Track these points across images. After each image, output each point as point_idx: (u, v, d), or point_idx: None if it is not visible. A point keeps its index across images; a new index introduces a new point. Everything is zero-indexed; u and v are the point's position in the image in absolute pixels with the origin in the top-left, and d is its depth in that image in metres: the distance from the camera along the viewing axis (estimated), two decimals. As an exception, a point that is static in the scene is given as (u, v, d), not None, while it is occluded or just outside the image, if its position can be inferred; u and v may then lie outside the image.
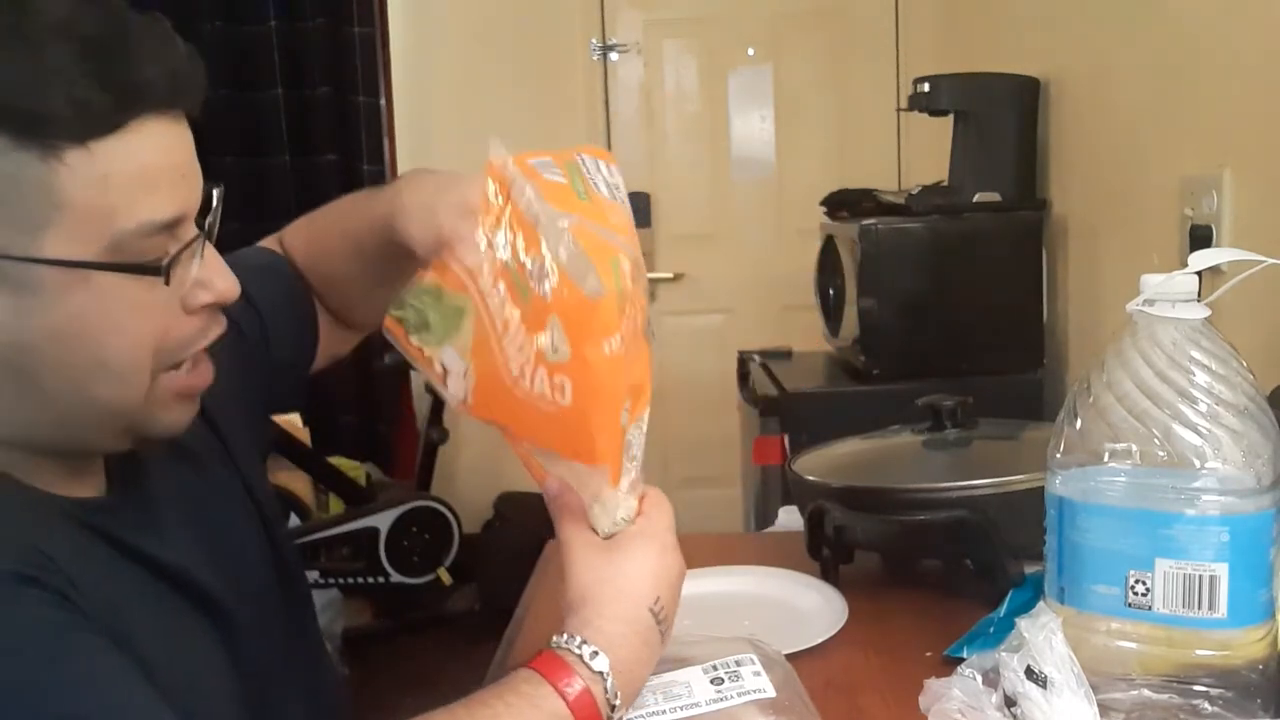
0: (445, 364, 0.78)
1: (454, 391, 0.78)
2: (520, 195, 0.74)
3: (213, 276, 0.72)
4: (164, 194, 0.67)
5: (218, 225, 0.73)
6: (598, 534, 0.77)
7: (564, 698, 0.69)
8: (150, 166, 0.66)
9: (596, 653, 0.72)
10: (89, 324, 0.66)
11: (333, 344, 1.05)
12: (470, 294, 0.77)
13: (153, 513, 0.77)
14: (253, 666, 0.78)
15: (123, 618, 0.67)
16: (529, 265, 0.73)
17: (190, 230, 0.70)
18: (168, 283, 0.68)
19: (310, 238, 1.02)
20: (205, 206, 0.73)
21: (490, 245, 0.76)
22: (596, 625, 0.74)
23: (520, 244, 0.74)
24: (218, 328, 0.75)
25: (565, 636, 0.73)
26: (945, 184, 2.19)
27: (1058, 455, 0.83)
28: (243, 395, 0.92)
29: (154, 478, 0.79)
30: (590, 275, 0.70)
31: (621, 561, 0.76)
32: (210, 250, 0.72)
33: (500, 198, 0.76)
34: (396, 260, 0.86)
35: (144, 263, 0.66)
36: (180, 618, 0.74)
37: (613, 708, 0.72)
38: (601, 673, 0.71)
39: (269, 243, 1.04)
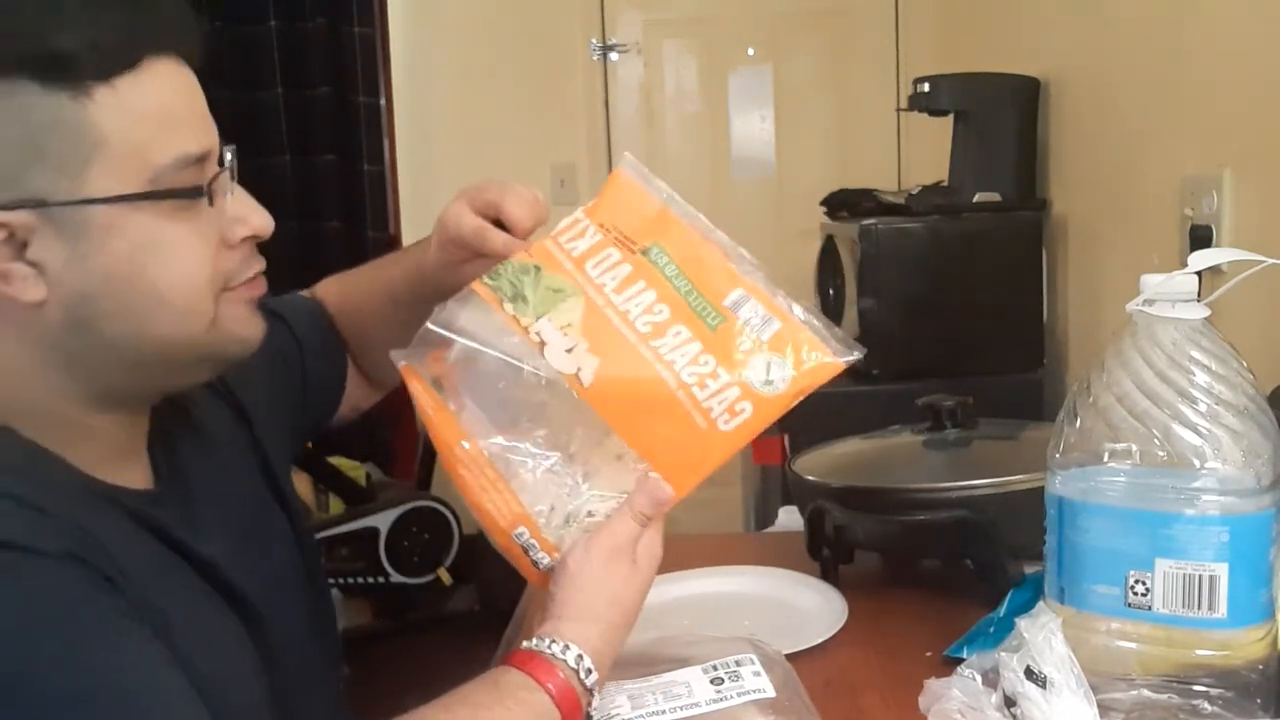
0: (543, 335, 0.77)
1: (557, 364, 0.77)
2: (697, 223, 0.83)
3: (248, 212, 0.74)
4: (188, 130, 0.70)
5: (236, 170, 0.76)
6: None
7: (558, 706, 0.71)
8: (170, 105, 0.68)
9: (591, 670, 0.73)
10: (140, 261, 0.68)
11: (356, 397, 1.08)
12: (576, 281, 0.79)
13: (193, 509, 0.78)
14: (279, 665, 0.79)
15: (161, 607, 0.67)
16: (733, 301, 0.79)
17: (215, 169, 0.72)
18: (211, 203, 0.70)
19: (343, 290, 1.05)
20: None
21: (626, 246, 0.81)
22: (595, 645, 0.74)
23: (684, 272, 0.80)
24: (258, 264, 0.77)
25: (562, 645, 0.73)
26: (945, 184, 2.18)
27: (1058, 455, 0.83)
28: (280, 411, 0.95)
29: (194, 475, 0.80)
30: (833, 341, 0.80)
31: (620, 579, 0.77)
32: (240, 189, 0.74)
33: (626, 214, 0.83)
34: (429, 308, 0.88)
35: (186, 188, 0.69)
36: (214, 613, 0.75)
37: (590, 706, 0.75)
38: (591, 689, 0.74)
39: (303, 294, 1.07)
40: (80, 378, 0.70)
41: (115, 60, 0.65)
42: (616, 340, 0.77)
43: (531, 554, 0.77)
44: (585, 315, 0.78)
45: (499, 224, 0.85)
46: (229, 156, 0.74)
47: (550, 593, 0.76)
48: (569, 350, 0.77)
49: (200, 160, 0.70)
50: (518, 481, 0.77)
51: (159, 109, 0.67)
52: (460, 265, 0.88)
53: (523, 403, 0.78)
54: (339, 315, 1.04)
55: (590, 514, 0.78)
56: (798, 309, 0.80)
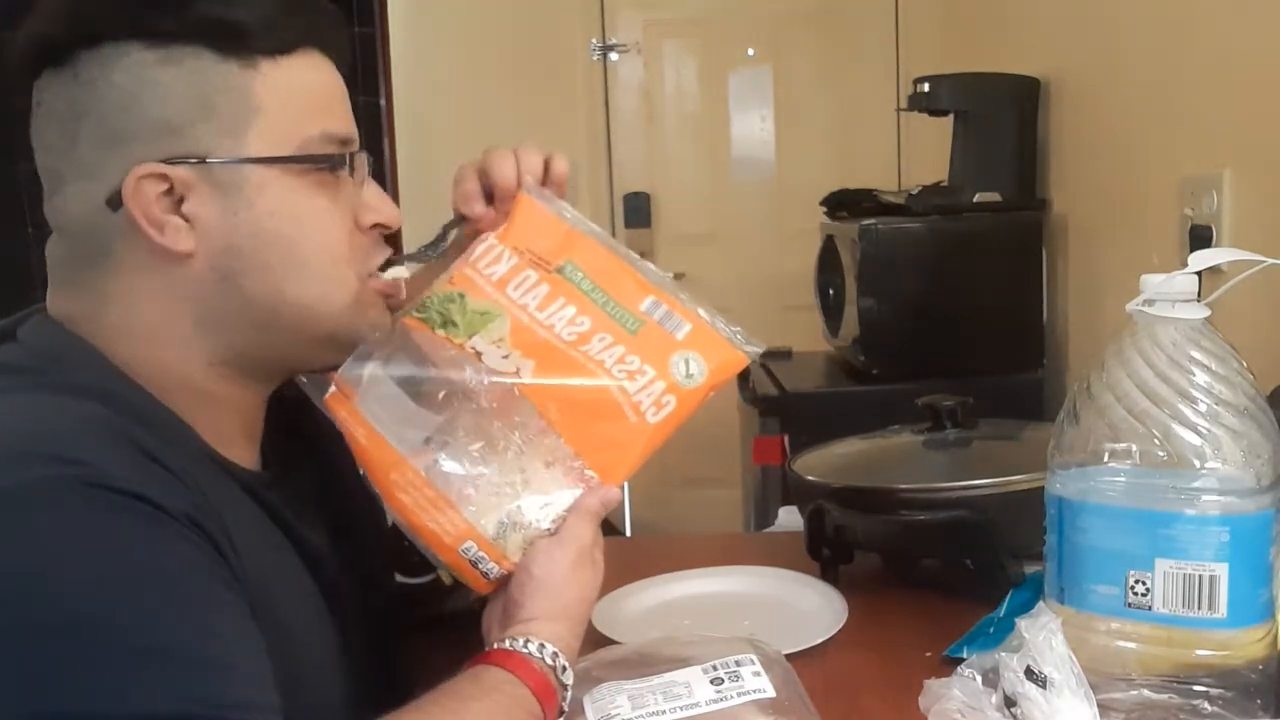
0: (478, 348, 0.82)
1: (496, 364, 0.81)
2: (605, 242, 0.88)
3: (379, 202, 0.80)
4: (335, 114, 0.77)
5: (370, 167, 0.81)
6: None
7: (539, 699, 0.73)
8: (321, 90, 0.76)
9: (566, 668, 0.76)
10: (284, 223, 0.73)
11: None
12: (500, 304, 0.83)
13: (297, 493, 0.81)
14: (358, 657, 0.81)
15: (267, 583, 0.70)
16: (647, 307, 0.85)
17: (359, 155, 0.79)
18: (352, 172, 0.77)
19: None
20: None
21: (542, 266, 0.85)
22: (568, 642, 0.78)
23: (599, 284, 0.85)
24: (385, 252, 0.82)
25: (538, 644, 0.75)
26: (945, 184, 2.19)
27: (1057, 455, 0.83)
28: None
29: (296, 466, 0.83)
30: (736, 339, 0.85)
31: (587, 580, 0.80)
32: (373, 181, 0.80)
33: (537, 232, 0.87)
34: None
35: (331, 154, 0.75)
36: (311, 596, 0.78)
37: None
38: (567, 685, 0.76)
39: None
40: (216, 338, 0.74)
41: (281, 42, 0.73)
42: (547, 347, 0.82)
43: (480, 566, 0.79)
44: (513, 331, 0.82)
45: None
46: (366, 154, 0.80)
47: (515, 599, 0.78)
48: (505, 357, 0.81)
49: (343, 143, 0.77)
50: (459, 497, 0.79)
51: (312, 91, 0.75)
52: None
53: (459, 415, 0.80)
54: None
55: (534, 520, 0.80)
56: (703, 311, 0.86)
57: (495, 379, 0.80)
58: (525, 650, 0.75)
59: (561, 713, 0.76)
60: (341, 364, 0.81)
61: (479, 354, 0.81)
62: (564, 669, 0.76)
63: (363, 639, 0.83)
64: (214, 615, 0.63)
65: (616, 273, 0.86)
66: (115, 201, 0.70)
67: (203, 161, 0.71)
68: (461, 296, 0.84)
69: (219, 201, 0.71)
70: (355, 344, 0.80)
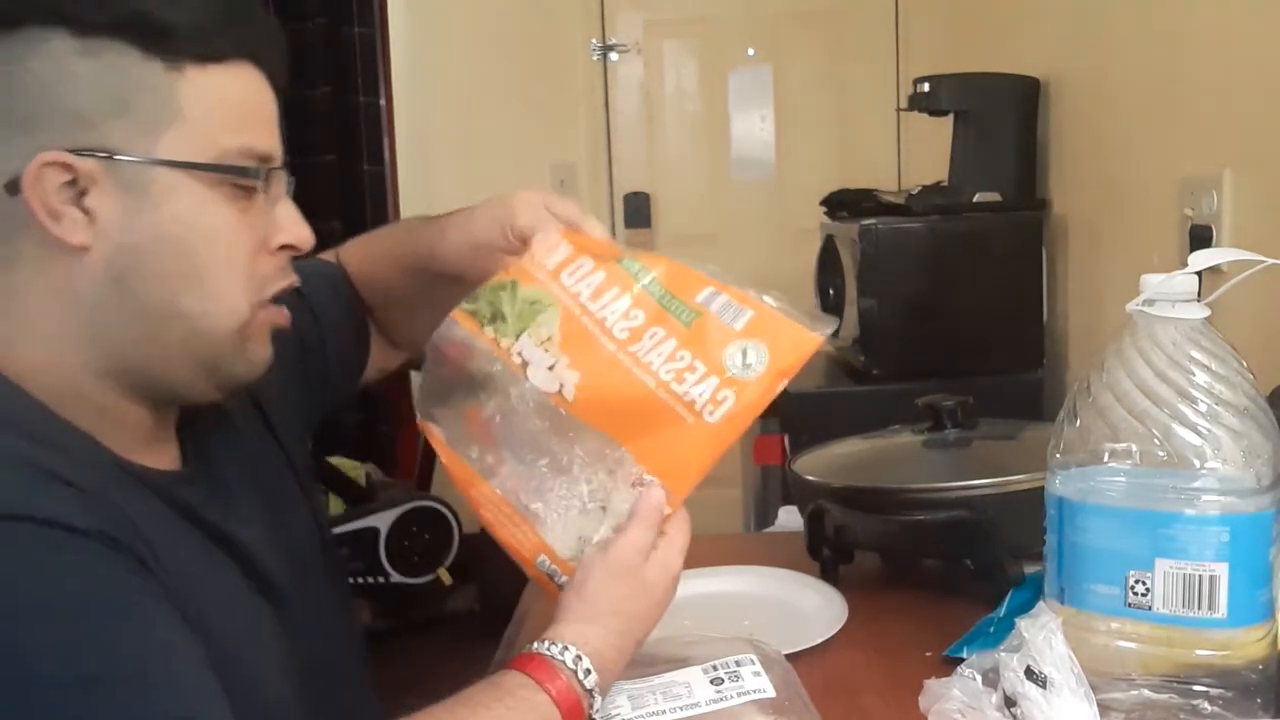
0: (524, 355, 0.80)
1: (540, 384, 0.80)
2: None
3: (292, 223, 0.78)
4: (259, 130, 0.75)
5: (292, 188, 0.80)
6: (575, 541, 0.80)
7: (558, 705, 0.72)
8: (248, 104, 0.74)
9: (590, 671, 0.74)
10: (188, 231, 0.71)
11: (381, 359, 1.08)
12: (552, 292, 0.82)
13: (222, 489, 0.79)
14: (305, 648, 0.80)
15: (194, 589, 0.68)
16: (704, 298, 0.80)
17: (278, 174, 0.77)
18: (267, 189, 0.75)
19: (364, 255, 1.06)
20: None
21: (598, 257, 0.83)
22: (596, 647, 0.75)
23: (656, 278, 0.81)
24: (291, 277, 0.79)
25: (561, 646, 0.74)
26: (945, 184, 2.18)
27: (1057, 455, 0.83)
28: (296, 399, 0.95)
29: (221, 459, 0.82)
30: (806, 319, 0.79)
31: (627, 588, 0.77)
32: (289, 201, 0.78)
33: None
34: (439, 285, 0.93)
35: (245, 167, 0.73)
36: (243, 595, 0.76)
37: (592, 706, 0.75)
38: (591, 690, 0.74)
39: (326, 255, 1.07)
40: (104, 347, 0.71)
41: (211, 48, 0.71)
42: (595, 350, 0.80)
43: (555, 579, 0.80)
44: (563, 326, 0.80)
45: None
46: (286, 174, 0.78)
47: (558, 602, 0.78)
48: (550, 368, 0.79)
49: (263, 160, 0.75)
50: (530, 513, 0.80)
51: (238, 104, 0.73)
52: (492, 253, 0.89)
53: (521, 433, 0.80)
54: (359, 278, 1.04)
55: (600, 532, 0.80)
56: (769, 299, 0.81)
57: (543, 401, 0.79)
58: (548, 653, 0.73)
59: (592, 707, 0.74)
60: (219, 400, 0.79)
61: (525, 364, 0.80)
62: (587, 673, 0.73)
63: (311, 631, 0.81)
64: (148, 632, 0.61)
65: (674, 269, 0.83)
66: (14, 187, 0.67)
67: (110, 157, 0.68)
68: (514, 284, 0.83)
69: (123, 199, 0.69)
70: (233, 379, 0.77)
